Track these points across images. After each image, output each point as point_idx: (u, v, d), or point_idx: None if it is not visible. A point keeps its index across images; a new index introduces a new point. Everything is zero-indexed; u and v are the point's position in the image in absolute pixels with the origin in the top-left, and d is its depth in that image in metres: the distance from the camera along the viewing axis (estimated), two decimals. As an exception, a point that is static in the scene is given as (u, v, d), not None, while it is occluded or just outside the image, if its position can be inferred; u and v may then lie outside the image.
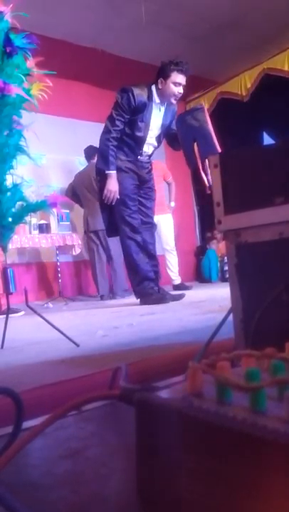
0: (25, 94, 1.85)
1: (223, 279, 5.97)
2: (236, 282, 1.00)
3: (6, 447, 0.60)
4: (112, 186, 3.37)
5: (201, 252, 6.96)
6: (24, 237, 4.71)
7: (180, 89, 3.38)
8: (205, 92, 6.90)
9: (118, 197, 3.40)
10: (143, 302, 3.41)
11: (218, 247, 6.51)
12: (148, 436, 0.52)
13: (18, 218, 1.95)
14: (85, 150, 5.09)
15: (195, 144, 3.09)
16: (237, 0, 4.81)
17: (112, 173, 3.38)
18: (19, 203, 1.95)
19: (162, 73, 3.36)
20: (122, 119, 3.36)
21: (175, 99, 3.45)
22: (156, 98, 3.41)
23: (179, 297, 3.54)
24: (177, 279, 5.30)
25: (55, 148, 5.55)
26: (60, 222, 5.24)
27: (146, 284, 3.43)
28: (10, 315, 1.86)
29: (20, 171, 1.96)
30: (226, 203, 1.00)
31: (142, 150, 3.51)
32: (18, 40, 1.82)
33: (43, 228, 4.97)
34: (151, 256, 3.54)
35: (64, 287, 5.26)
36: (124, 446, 0.71)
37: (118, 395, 0.63)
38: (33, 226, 4.95)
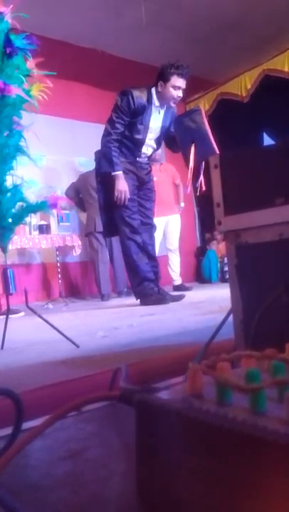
0: (25, 94, 1.85)
1: (223, 280, 5.96)
2: (236, 283, 1.00)
3: (6, 448, 0.60)
4: (122, 186, 3.37)
5: (201, 252, 6.96)
6: (24, 238, 4.71)
7: (179, 93, 3.38)
8: (205, 93, 6.91)
9: (129, 196, 3.40)
10: (143, 303, 3.41)
11: (218, 248, 6.51)
12: (148, 437, 0.52)
13: (18, 219, 1.95)
14: (95, 153, 5.12)
15: (193, 145, 3.10)
16: (237, 1, 4.82)
17: (119, 173, 3.37)
18: (19, 204, 1.96)
19: (162, 76, 3.36)
20: (122, 122, 3.36)
21: (174, 103, 3.45)
22: (155, 101, 3.41)
23: (179, 298, 3.54)
24: (178, 280, 5.32)
25: (55, 149, 5.55)
26: (60, 223, 5.24)
27: (146, 285, 3.43)
28: (10, 316, 1.86)
29: (20, 172, 1.96)
30: (226, 203, 1.00)
31: (140, 152, 3.51)
32: (18, 41, 1.83)
33: (43, 229, 4.97)
34: (151, 257, 3.55)
35: (64, 288, 5.25)
36: (124, 447, 0.70)
37: (118, 396, 0.63)
38: (33, 227, 4.95)
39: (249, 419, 0.42)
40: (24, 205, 1.98)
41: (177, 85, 3.34)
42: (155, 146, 3.61)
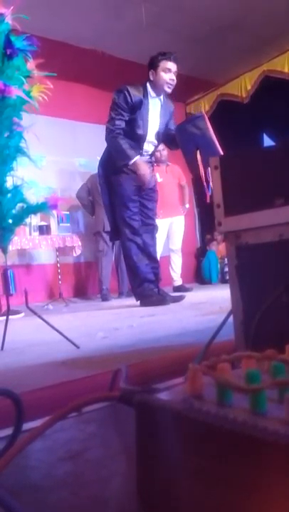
0: (25, 96, 1.85)
1: (224, 281, 5.97)
2: (236, 284, 1.00)
3: (6, 449, 0.60)
4: (142, 170, 3.36)
5: (201, 253, 6.96)
6: (24, 239, 4.71)
7: (171, 76, 3.42)
8: (205, 94, 6.92)
9: (151, 180, 3.38)
10: (143, 304, 3.41)
11: (219, 249, 6.51)
12: (148, 438, 0.52)
13: (19, 220, 1.95)
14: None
15: (198, 151, 3.08)
16: (237, 2, 4.82)
17: (136, 159, 3.36)
18: (19, 205, 1.96)
19: (152, 65, 3.44)
20: (122, 117, 3.37)
21: (169, 87, 3.45)
22: (151, 92, 3.45)
23: (179, 299, 3.54)
24: (178, 281, 5.34)
25: (55, 149, 5.56)
26: (60, 224, 5.25)
27: (146, 286, 3.43)
28: (10, 316, 1.86)
29: (20, 173, 1.97)
30: (226, 204, 1.00)
31: (142, 149, 3.50)
32: (18, 42, 1.83)
33: (43, 230, 4.97)
34: (152, 258, 3.54)
35: (64, 289, 5.26)
36: (125, 448, 0.70)
37: (118, 397, 0.63)
38: (33, 227, 4.95)
39: (249, 420, 0.42)
40: (24, 206, 1.98)
41: (167, 68, 3.40)
42: (156, 142, 3.59)
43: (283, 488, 0.38)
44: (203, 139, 3.09)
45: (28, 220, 4.03)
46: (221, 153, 3.02)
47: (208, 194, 3.00)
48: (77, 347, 1.63)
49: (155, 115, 3.50)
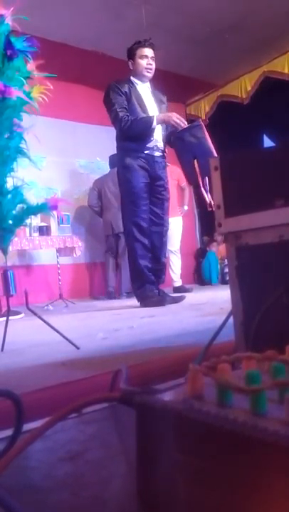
0: (25, 96, 1.85)
1: (224, 282, 5.97)
2: (236, 284, 1.00)
3: (6, 450, 0.60)
4: (167, 116, 3.33)
5: (201, 254, 6.96)
6: (24, 240, 4.71)
7: (149, 61, 3.49)
8: (205, 95, 6.92)
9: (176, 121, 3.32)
10: (143, 305, 3.40)
11: (219, 250, 6.51)
12: (148, 439, 0.52)
13: (19, 221, 1.95)
14: (110, 157, 5.20)
15: (195, 161, 3.06)
16: (237, 3, 4.82)
17: (156, 116, 3.35)
18: (20, 206, 1.96)
19: (129, 55, 3.54)
20: (123, 108, 3.38)
21: (148, 72, 3.51)
22: (136, 81, 3.52)
23: (179, 299, 3.54)
24: (178, 281, 5.35)
25: (55, 150, 5.56)
26: (61, 225, 5.25)
27: (147, 287, 3.43)
28: (10, 317, 1.86)
29: (20, 174, 1.97)
30: (226, 205, 1.00)
31: (152, 137, 3.42)
32: (18, 43, 1.83)
33: (44, 230, 4.97)
34: (157, 260, 3.51)
35: (64, 289, 5.26)
36: (125, 449, 0.70)
37: (118, 398, 0.63)
38: (33, 228, 4.95)
39: (249, 421, 0.42)
40: (25, 206, 1.98)
41: (144, 54, 3.49)
42: (161, 126, 3.49)
43: (283, 489, 0.38)
44: (201, 148, 3.07)
45: (28, 221, 4.02)
46: None
47: (208, 203, 2.99)
48: (78, 348, 1.63)
49: (149, 99, 3.54)
